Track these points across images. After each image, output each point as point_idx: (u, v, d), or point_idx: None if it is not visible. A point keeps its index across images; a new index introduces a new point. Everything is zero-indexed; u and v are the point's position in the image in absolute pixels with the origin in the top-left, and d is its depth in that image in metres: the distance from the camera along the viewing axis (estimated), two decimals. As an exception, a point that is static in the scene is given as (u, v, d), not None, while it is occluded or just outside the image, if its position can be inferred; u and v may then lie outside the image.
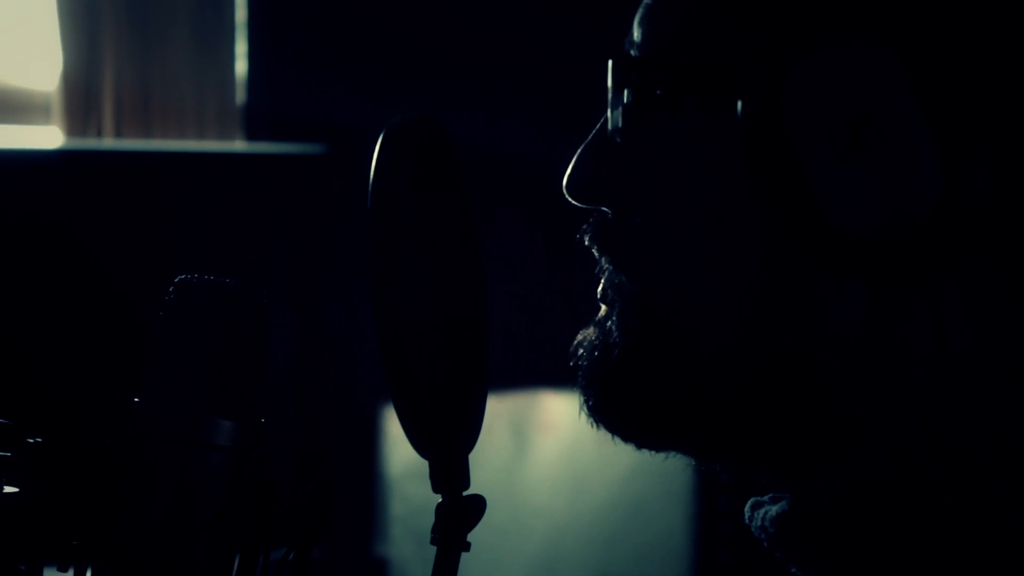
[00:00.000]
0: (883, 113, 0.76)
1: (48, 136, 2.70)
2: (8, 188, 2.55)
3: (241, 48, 2.75)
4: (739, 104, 0.77)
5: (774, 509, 0.81)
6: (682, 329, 0.81)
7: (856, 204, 0.76)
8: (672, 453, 0.87)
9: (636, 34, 0.84)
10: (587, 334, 0.86)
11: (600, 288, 0.86)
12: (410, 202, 0.74)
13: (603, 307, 0.85)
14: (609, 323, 0.84)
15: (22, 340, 2.49)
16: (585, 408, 0.85)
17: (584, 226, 0.86)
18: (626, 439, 0.86)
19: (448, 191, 0.80)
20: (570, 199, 0.86)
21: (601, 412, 0.85)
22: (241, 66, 2.75)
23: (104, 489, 0.78)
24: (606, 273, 0.85)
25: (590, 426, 0.86)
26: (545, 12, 2.87)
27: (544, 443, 2.89)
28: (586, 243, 0.86)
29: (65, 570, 0.79)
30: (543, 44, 2.86)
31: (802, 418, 0.81)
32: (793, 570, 0.81)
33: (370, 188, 0.74)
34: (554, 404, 2.91)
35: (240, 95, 2.76)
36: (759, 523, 0.82)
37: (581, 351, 0.86)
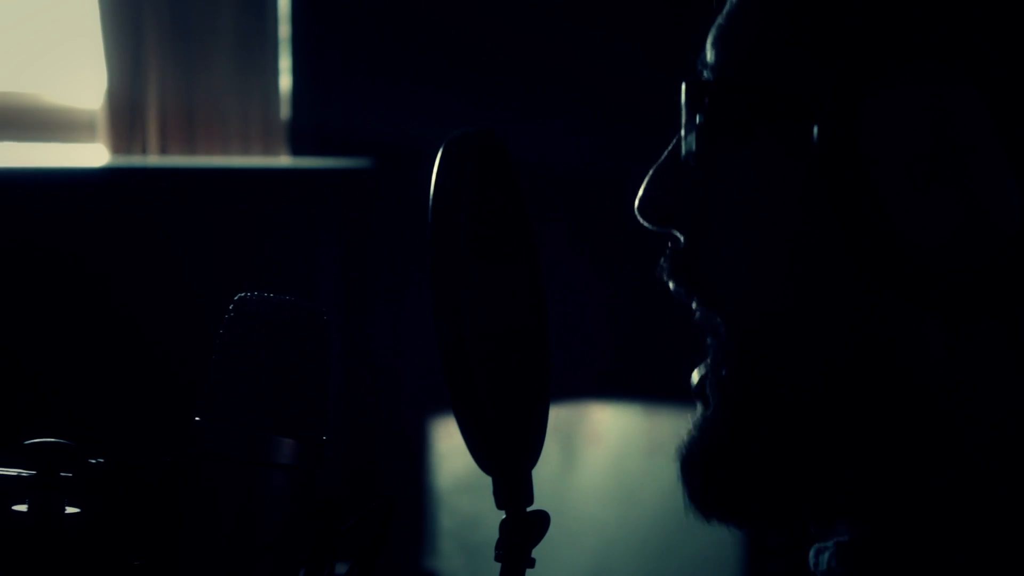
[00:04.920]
0: (961, 143, 0.74)
1: (93, 154, 2.71)
2: (55, 206, 2.55)
3: (285, 63, 2.75)
4: (815, 133, 0.76)
5: (834, 545, 0.80)
6: (772, 359, 0.80)
7: (934, 235, 0.75)
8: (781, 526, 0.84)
9: (709, 55, 0.83)
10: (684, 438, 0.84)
11: (696, 379, 0.84)
12: (471, 216, 0.74)
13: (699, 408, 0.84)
14: (699, 412, 0.83)
15: (68, 358, 2.50)
16: (687, 497, 0.83)
17: (661, 260, 0.85)
18: (734, 517, 0.83)
19: (508, 204, 0.79)
20: (641, 220, 0.85)
21: (704, 492, 0.82)
22: (285, 81, 2.75)
23: (165, 509, 0.78)
24: (702, 321, 0.84)
25: (694, 520, 0.83)
26: (591, 24, 2.87)
27: (593, 454, 2.89)
28: (664, 278, 0.84)
29: (128, 591, 0.79)
30: (589, 56, 2.86)
31: (899, 442, 0.79)
32: None
33: (431, 202, 0.74)
34: (602, 415, 2.90)
35: (284, 110, 2.76)
36: (824, 567, 0.81)
37: (678, 448, 0.84)
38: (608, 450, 2.90)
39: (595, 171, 2.83)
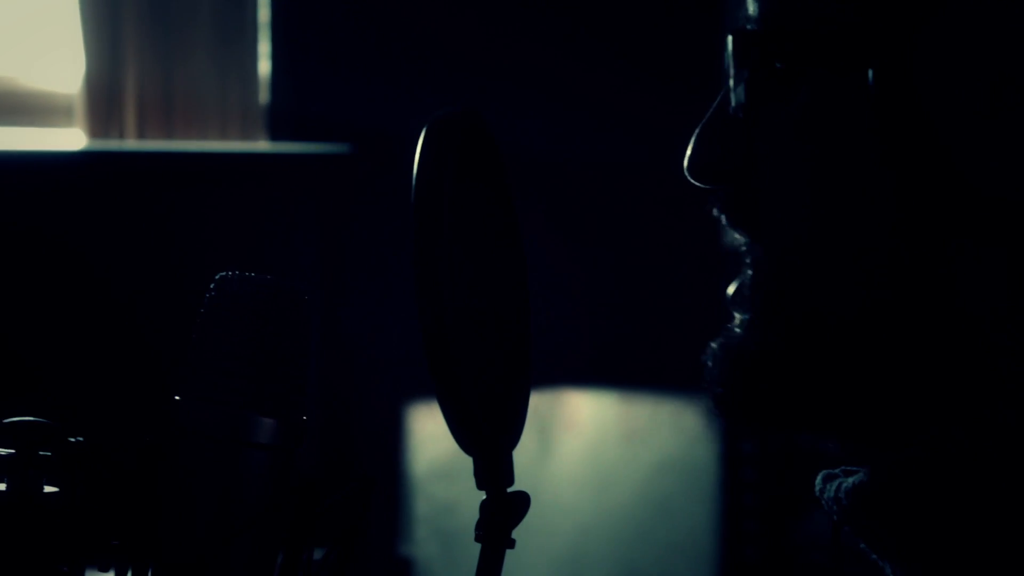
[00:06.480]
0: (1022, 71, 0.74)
1: (71, 138, 2.70)
2: (32, 190, 2.55)
3: (264, 48, 2.75)
4: (870, 71, 0.76)
5: (850, 480, 0.80)
6: (812, 296, 0.80)
7: (998, 166, 0.74)
8: (800, 434, 0.84)
9: (752, 8, 0.82)
10: (714, 342, 0.84)
11: (733, 290, 0.84)
12: (454, 196, 0.74)
13: (736, 315, 0.84)
14: (737, 319, 0.83)
15: (48, 339, 2.50)
16: (713, 401, 0.83)
17: (711, 198, 0.85)
18: (753, 421, 0.83)
19: (491, 186, 0.80)
20: (693, 181, 0.85)
21: (730, 400, 0.82)
22: (264, 66, 2.75)
23: (145, 488, 0.78)
24: (744, 254, 0.83)
25: (720, 419, 0.83)
26: (571, 11, 2.87)
27: (569, 441, 2.89)
28: (715, 214, 0.84)
29: (107, 570, 0.78)
30: (569, 42, 2.86)
31: (936, 377, 0.78)
32: (862, 546, 0.80)
33: (414, 182, 0.74)
34: (579, 402, 2.90)
35: (263, 95, 2.76)
36: (831, 494, 0.80)
37: (707, 354, 0.84)
38: (584, 437, 2.90)
39: (575, 158, 2.83)
